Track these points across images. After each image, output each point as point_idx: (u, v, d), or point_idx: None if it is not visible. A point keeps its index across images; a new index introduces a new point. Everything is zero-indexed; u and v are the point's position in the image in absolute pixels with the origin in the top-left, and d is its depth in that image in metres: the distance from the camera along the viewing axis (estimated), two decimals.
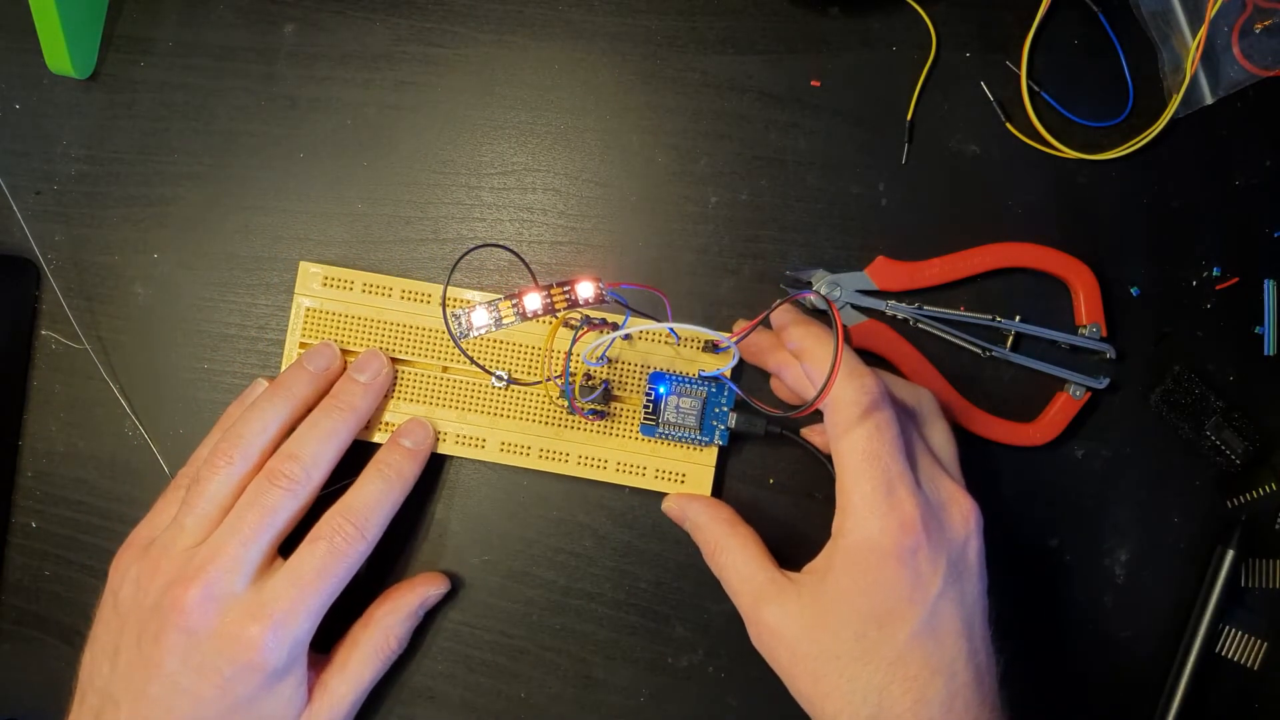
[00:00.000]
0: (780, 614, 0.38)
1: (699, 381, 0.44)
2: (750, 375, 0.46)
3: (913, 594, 0.36)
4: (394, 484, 0.42)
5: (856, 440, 0.37)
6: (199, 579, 0.38)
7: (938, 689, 0.36)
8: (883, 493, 0.37)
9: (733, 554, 0.41)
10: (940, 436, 0.41)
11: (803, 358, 0.40)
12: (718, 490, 0.45)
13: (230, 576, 0.38)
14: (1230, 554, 0.45)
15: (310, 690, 0.41)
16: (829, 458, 0.43)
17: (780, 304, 0.41)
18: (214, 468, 0.40)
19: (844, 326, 0.45)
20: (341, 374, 0.43)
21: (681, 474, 0.44)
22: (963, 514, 0.38)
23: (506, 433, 0.44)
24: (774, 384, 0.45)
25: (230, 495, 0.40)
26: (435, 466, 0.46)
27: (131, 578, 0.39)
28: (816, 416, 0.44)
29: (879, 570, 0.36)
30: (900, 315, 0.45)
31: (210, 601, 0.38)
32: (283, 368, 0.44)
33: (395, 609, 0.43)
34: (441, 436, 0.44)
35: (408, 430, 0.43)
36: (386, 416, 0.44)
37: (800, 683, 0.38)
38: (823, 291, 0.45)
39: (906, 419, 0.40)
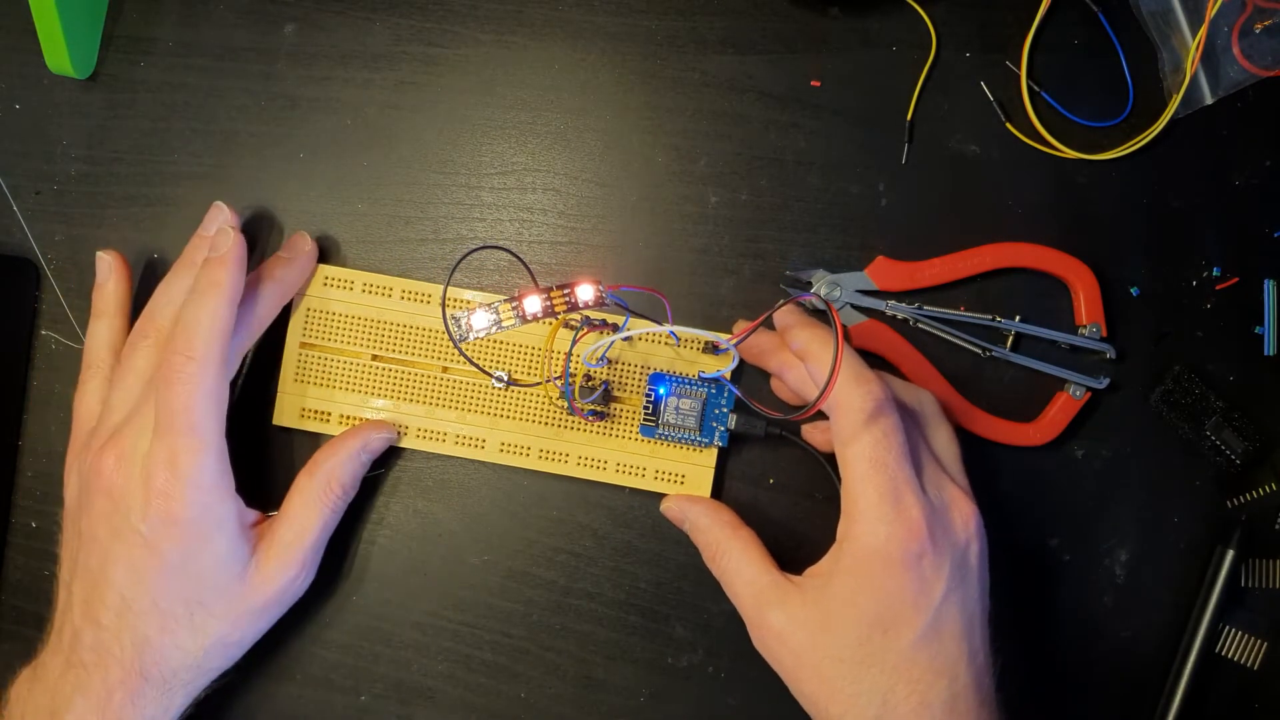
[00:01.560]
0: (784, 617, 0.39)
1: (699, 383, 0.44)
2: (750, 377, 0.46)
3: (918, 599, 0.37)
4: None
5: (863, 446, 0.38)
6: (113, 444, 0.39)
7: (940, 691, 0.37)
8: (890, 499, 0.37)
9: (734, 557, 0.41)
10: (943, 439, 0.41)
11: (807, 359, 0.40)
12: (717, 491, 0.45)
13: (142, 439, 0.39)
14: (1230, 554, 0.45)
15: (256, 545, 0.41)
16: (829, 458, 0.43)
17: (783, 304, 0.41)
18: (133, 346, 0.41)
19: (844, 327, 0.45)
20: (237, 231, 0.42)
21: (681, 475, 0.44)
22: (964, 518, 0.39)
23: (506, 433, 0.44)
24: (774, 384, 0.45)
25: (151, 369, 0.40)
26: (435, 467, 0.46)
27: (75, 471, 0.41)
28: (816, 417, 0.44)
29: (885, 575, 0.37)
30: (900, 315, 0.45)
31: (121, 462, 0.38)
32: (283, 367, 0.44)
33: (335, 451, 0.43)
34: (441, 436, 0.44)
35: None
36: (385, 417, 0.44)
37: (804, 685, 0.38)
38: (823, 292, 0.45)
39: (910, 421, 0.40)
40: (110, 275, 0.44)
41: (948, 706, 0.37)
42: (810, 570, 0.40)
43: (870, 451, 0.37)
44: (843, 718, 0.37)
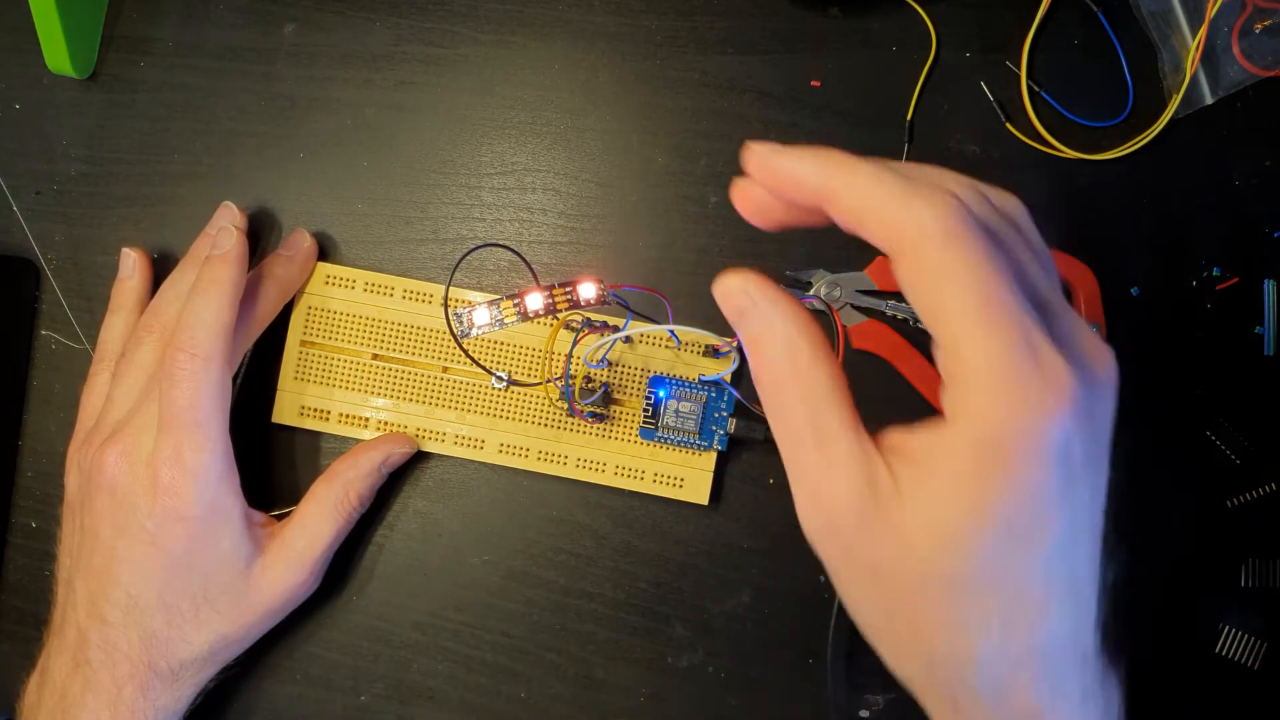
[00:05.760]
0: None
1: (699, 386, 0.44)
2: (750, 380, 0.46)
3: (1061, 494, 0.26)
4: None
5: (963, 283, 0.25)
6: (116, 440, 0.39)
7: (1066, 614, 0.28)
8: (1024, 354, 0.25)
9: (818, 389, 0.28)
10: (1045, 261, 0.29)
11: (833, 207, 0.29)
12: (716, 491, 0.45)
13: (145, 436, 0.39)
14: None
15: (265, 545, 0.41)
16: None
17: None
18: (137, 341, 0.41)
19: (844, 327, 0.45)
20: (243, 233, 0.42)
21: (680, 478, 0.44)
22: (1108, 375, 0.28)
23: (506, 434, 0.44)
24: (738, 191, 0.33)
25: (155, 364, 0.41)
26: (435, 467, 0.46)
27: (75, 465, 0.41)
28: None
29: (1020, 463, 0.25)
30: (900, 315, 0.45)
31: (124, 458, 0.39)
32: (283, 365, 0.44)
33: (356, 464, 0.43)
34: (441, 436, 0.44)
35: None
36: (384, 416, 0.44)
37: (877, 605, 0.28)
38: (822, 293, 0.45)
39: (1008, 240, 0.28)
40: (134, 272, 0.44)
41: (1071, 635, 0.28)
42: (897, 440, 0.27)
43: (978, 287, 0.25)
44: (940, 659, 0.27)
